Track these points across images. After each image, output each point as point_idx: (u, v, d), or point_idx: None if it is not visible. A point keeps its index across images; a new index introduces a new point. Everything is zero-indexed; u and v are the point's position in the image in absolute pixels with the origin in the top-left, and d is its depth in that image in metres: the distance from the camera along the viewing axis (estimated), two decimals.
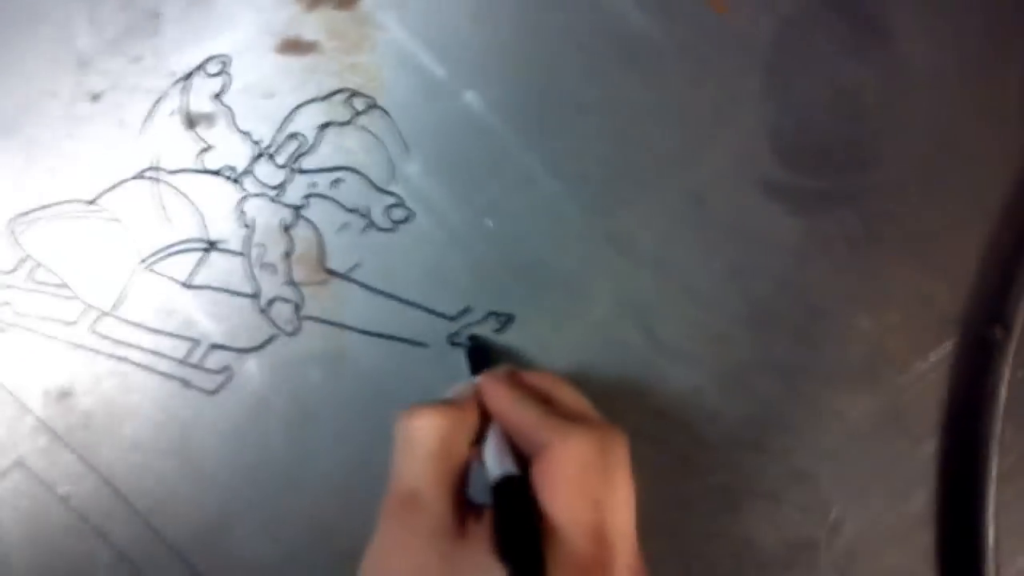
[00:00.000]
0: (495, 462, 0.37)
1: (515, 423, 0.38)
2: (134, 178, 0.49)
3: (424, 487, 0.35)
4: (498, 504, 0.35)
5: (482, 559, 0.34)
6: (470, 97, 0.49)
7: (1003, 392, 0.44)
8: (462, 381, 0.43)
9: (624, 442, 0.37)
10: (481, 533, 0.35)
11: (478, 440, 0.39)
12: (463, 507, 0.35)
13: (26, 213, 0.47)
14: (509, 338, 0.49)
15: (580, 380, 0.46)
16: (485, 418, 0.39)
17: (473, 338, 0.48)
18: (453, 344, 0.47)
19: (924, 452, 0.47)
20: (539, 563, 0.32)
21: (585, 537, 0.34)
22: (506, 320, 0.48)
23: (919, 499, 0.46)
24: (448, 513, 0.35)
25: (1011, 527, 0.46)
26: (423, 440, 0.36)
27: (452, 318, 0.47)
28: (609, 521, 0.35)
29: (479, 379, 0.41)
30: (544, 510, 0.35)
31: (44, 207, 0.48)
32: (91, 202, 0.49)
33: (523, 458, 0.37)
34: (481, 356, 0.46)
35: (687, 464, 0.47)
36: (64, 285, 0.47)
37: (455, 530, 0.34)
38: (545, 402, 0.39)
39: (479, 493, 0.38)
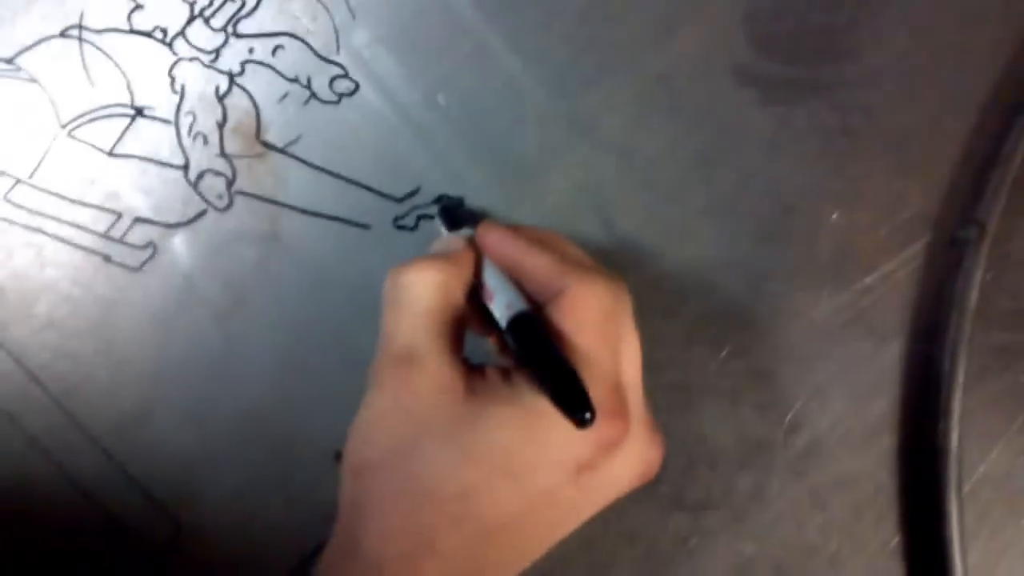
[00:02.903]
0: (508, 301, 0.35)
1: (528, 267, 0.35)
2: (56, 36, 0.44)
3: (423, 343, 0.33)
4: (522, 338, 0.32)
5: (498, 415, 0.32)
6: None
7: (973, 295, 0.42)
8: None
9: (629, 295, 0.36)
10: (489, 387, 0.33)
11: (471, 293, 0.36)
12: (464, 366, 0.33)
13: None
14: None
15: None
16: (478, 272, 0.37)
17: (444, 196, 0.46)
18: (399, 227, 0.43)
19: (888, 354, 0.45)
20: (580, 389, 0.29)
21: (603, 384, 0.32)
22: (456, 204, 0.44)
23: (881, 402, 0.45)
24: (452, 369, 0.32)
25: (975, 434, 0.44)
26: (419, 295, 0.33)
27: (398, 200, 0.44)
28: (623, 371, 0.34)
29: (468, 230, 0.38)
30: (569, 351, 0.32)
31: None
32: (9, 61, 0.46)
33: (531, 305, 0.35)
34: (455, 213, 0.44)
35: (643, 360, 0.44)
36: None
37: (460, 385, 0.32)
38: (552, 249, 0.36)
39: (472, 354, 0.35)
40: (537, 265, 0.35)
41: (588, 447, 0.32)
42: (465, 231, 0.38)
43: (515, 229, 0.37)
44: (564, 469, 0.32)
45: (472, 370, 0.34)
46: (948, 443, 0.42)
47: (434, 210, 0.45)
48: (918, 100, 0.47)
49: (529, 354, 0.31)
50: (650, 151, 0.46)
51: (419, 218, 0.45)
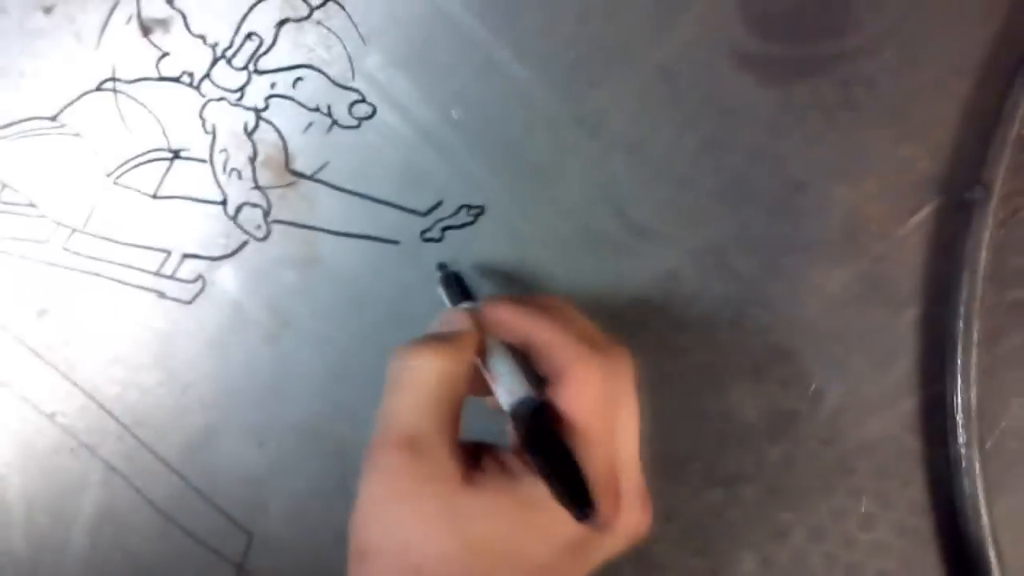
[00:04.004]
0: (511, 387, 0.36)
1: (534, 343, 0.36)
2: (94, 91, 0.47)
3: (425, 432, 0.33)
4: (532, 429, 0.33)
5: (495, 503, 0.33)
6: None
7: (984, 254, 0.43)
8: (441, 299, 0.43)
9: (631, 363, 0.36)
10: (486, 477, 0.34)
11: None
12: (462, 453, 0.34)
13: None
14: (482, 229, 0.48)
15: (555, 268, 0.45)
16: (481, 350, 0.37)
17: (443, 266, 0.47)
18: (426, 240, 0.46)
19: (904, 319, 0.46)
20: (582, 484, 0.31)
21: (600, 466, 0.34)
22: (478, 212, 0.47)
23: (900, 367, 0.46)
24: (453, 459, 0.33)
25: (993, 391, 0.45)
26: (422, 380, 0.33)
27: (423, 213, 0.47)
28: (619, 448, 0.35)
29: (469, 304, 0.39)
30: (572, 437, 0.34)
31: (6, 126, 0.47)
32: (53, 118, 0.48)
33: (535, 382, 0.36)
34: (457, 283, 0.45)
35: (667, 346, 0.47)
36: (32, 204, 0.46)
37: (458, 475, 0.33)
38: (555, 322, 0.37)
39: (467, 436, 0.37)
40: (543, 341, 0.36)
41: (583, 528, 0.32)
42: (468, 304, 0.39)
43: (520, 301, 0.38)
44: (560, 550, 0.33)
45: (469, 454, 0.34)
46: (967, 401, 0.44)
47: (460, 219, 0.47)
48: (918, 65, 0.47)
49: (533, 445, 0.32)
50: (658, 142, 0.48)
51: (444, 230, 0.47)
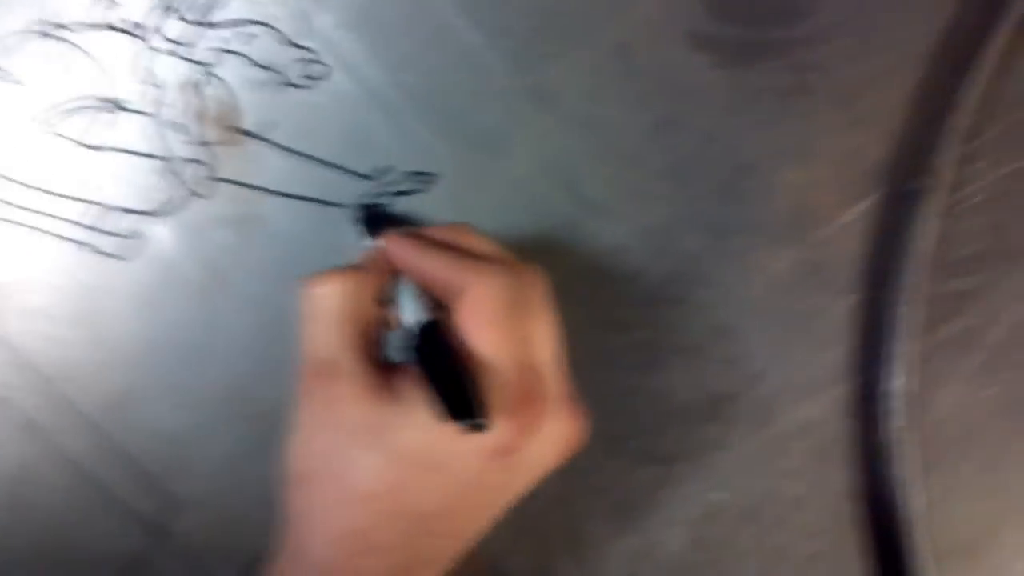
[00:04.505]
0: (410, 314, 0.37)
1: (427, 272, 0.37)
2: (33, 33, 0.45)
3: (337, 353, 0.34)
4: (420, 349, 0.34)
5: (412, 414, 0.33)
6: None
7: (927, 243, 0.43)
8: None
9: (541, 277, 0.37)
10: (405, 388, 0.34)
11: (387, 303, 0.38)
12: (380, 370, 0.34)
13: None
14: (431, 197, 0.47)
15: (502, 239, 0.44)
16: (393, 280, 0.39)
17: (364, 206, 0.47)
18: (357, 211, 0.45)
19: (845, 305, 0.47)
20: (474, 397, 0.31)
21: (514, 370, 0.34)
22: (427, 179, 0.46)
23: (838, 352, 0.46)
24: (367, 375, 0.34)
25: (929, 377, 0.46)
26: (327, 306, 0.35)
27: (371, 178, 0.46)
28: (536, 353, 0.35)
29: (381, 241, 0.39)
30: (472, 351, 0.34)
31: None
32: None
33: (440, 309, 0.37)
34: (377, 222, 0.45)
35: (610, 321, 0.46)
36: None
37: (376, 390, 0.34)
38: (455, 250, 0.37)
39: (394, 355, 0.37)
40: (435, 267, 0.37)
41: (506, 433, 0.33)
42: (379, 241, 0.39)
43: (417, 234, 0.39)
44: (484, 456, 0.34)
45: (390, 371, 0.35)
46: (903, 387, 0.44)
47: (407, 185, 0.46)
48: (870, 54, 0.48)
49: (424, 368, 0.33)
50: (611, 119, 0.47)
51: (391, 195, 0.46)
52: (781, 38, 0.48)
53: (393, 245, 0.39)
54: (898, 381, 0.44)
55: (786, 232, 0.47)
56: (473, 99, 0.48)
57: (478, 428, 0.30)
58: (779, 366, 0.47)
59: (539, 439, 0.35)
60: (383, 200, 0.46)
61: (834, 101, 0.47)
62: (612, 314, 0.46)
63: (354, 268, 0.36)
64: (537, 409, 0.35)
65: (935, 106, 0.47)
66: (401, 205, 0.48)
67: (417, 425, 0.34)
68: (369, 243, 0.41)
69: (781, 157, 0.47)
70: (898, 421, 0.44)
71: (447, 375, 0.32)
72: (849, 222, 0.46)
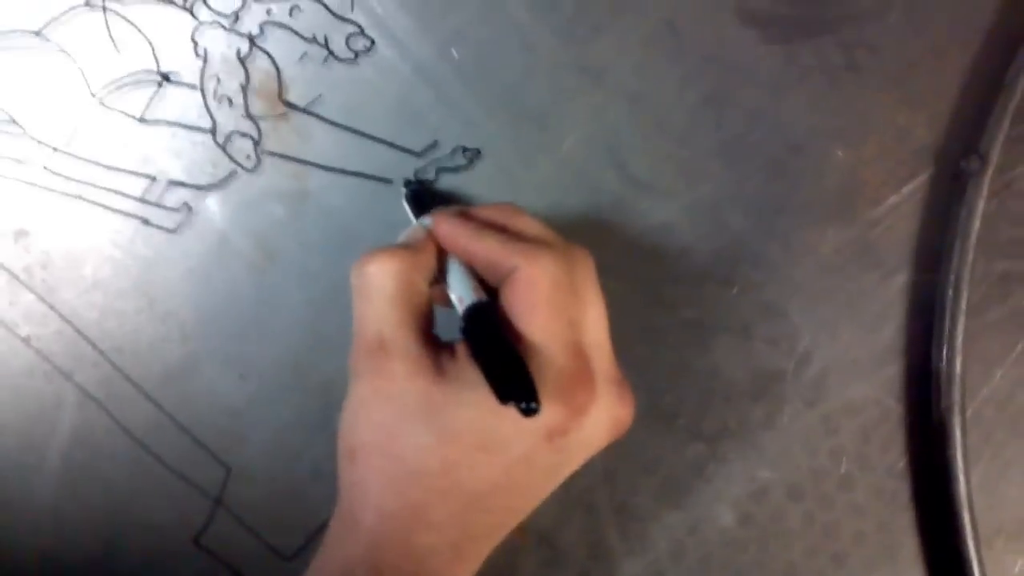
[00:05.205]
0: (460, 294, 0.37)
1: (476, 254, 0.37)
2: (82, 6, 0.45)
3: (389, 330, 0.34)
4: (471, 332, 0.34)
5: (466, 393, 0.34)
6: None
7: (976, 224, 0.43)
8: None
9: (589, 259, 0.37)
10: (458, 368, 0.35)
11: (437, 281, 0.38)
12: (434, 347, 0.35)
13: None
14: (478, 174, 0.47)
15: (550, 215, 0.45)
16: (441, 259, 0.39)
17: (410, 182, 0.47)
18: (407, 185, 0.45)
19: (894, 285, 0.47)
20: (526, 380, 0.31)
21: (564, 353, 0.34)
22: (474, 155, 0.47)
23: (887, 331, 0.46)
24: (419, 353, 0.34)
25: (977, 358, 0.46)
26: (380, 284, 0.35)
27: (418, 153, 0.46)
28: (585, 336, 0.36)
29: (429, 219, 0.39)
30: (520, 332, 0.35)
31: None
32: (37, 33, 0.46)
33: (489, 289, 0.37)
34: (423, 199, 0.45)
35: (657, 299, 0.47)
36: (13, 121, 0.45)
37: (430, 369, 0.34)
38: (503, 231, 0.38)
39: (446, 334, 0.37)
40: (485, 249, 0.37)
41: (557, 414, 0.33)
42: (426, 220, 0.39)
43: (465, 214, 0.39)
44: (536, 437, 0.34)
45: (442, 349, 0.36)
46: (951, 368, 0.44)
47: (455, 161, 0.46)
48: (921, 33, 0.48)
49: (476, 351, 0.33)
50: (659, 95, 0.47)
51: (438, 171, 0.46)
52: (831, 15, 0.47)
53: (441, 225, 0.39)
54: (947, 361, 0.44)
55: (835, 212, 0.47)
56: (521, 74, 0.47)
57: (530, 411, 0.31)
58: (827, 346, 0.47)
59: (589, 421, 0.35)
60: (430, 176, 0.46)
61: (884, 80, 0.47)
62: (660, 292, 0.46)
63: (404, 246, 0.36)
64: (587, 391, 0.35)
65: (985, 87, 0.47)
66: (448, 181, 0.47)
67: (471, 404, 0.34)
68: (417, 221, 0.41)
69: (830, 135, 0.47)
70: (946, 401, 0.44)
71: (498, 357, 0.32)
72: (898, 202, 0.46)
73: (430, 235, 0.38)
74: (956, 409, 0.44)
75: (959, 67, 0.47)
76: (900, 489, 0.47)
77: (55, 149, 0.46)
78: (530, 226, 0.38)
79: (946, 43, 0.47)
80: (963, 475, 0.44)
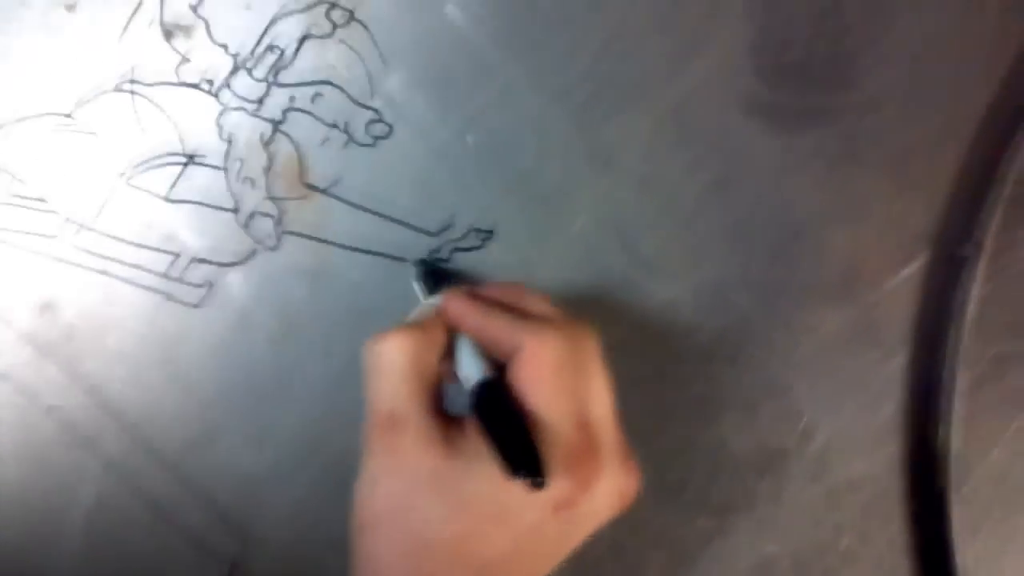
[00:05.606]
0: (469, 371, 0.38)
1: (484, 332, 0.39)
2: (111, 91, 0.47)
3: (402, 406, 0.35)
4: (480, 408, 0.35)
5: (476, 466, 0.35)
6: (451, 9, 0.48)
7: (972, 307, 0.45)
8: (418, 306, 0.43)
9: (594, 335, 0.38)
10: (467, 442, 0.36)
11: (446, 357, 0.40)
12: (444, 421, 0.35)
13: (1, 126, 0.46)
14: (491, 253, 0.49)
15: (561, 294, 0.46)
16: (450, 336, 0.40)
17: (420, 262, 0.48)
18: (434, 260, 0.47)
19: (894, 364, 0.48)
20: (533, 455, 0.32)
21: (570, 427, 0.36)
22: (487, 235, 0.48)
23: (887, 410, 0.48)
24: (432, 428, 0.35)
25: (974, 438, 0.47)
26: (392, 362, 0.36)
27: (433, 234, 0.47)
28: (590, 410, 0.37)
29: (437, 298, 0.41)
30: (527, 407, 0.36)
31: (20, 120, 0.47)
32: (68, 115, 0.48)
33: (496, 366, 0.38)
34: (432, 278, 0.47)
35: (664, 376, 0.48)
36: (42, 199, 0.46)
37: (441, 443, 0.35)
38: (510, 310, 0.39)
39: (455, 410, 0.39)
40: (492, 327, 0.38)
41: (564, 486, 0.34)
42: (437, 299, 0.41)
43: (474, 294, 0.40)
44: (544, 509, 0.35)
45: (452, 423, 0.36)
46: (948, 447, 0.46)
47: (469, 241, 0.48)
48: (918, 123, 0.49)
49: (484, 426, 0.34)
50: (667, 180, 0.49)
51: (452, 251, 0.48)
52: (832, 105, 0.49)
53: (451, 303, 0.40)
54: (944, 439, 0.45)
55: (835, 293, 0.49)
56: (534, 159, 0.49)
57: (538, 485, 0.32)
58: (830, 422, 0.48)
59: (595, 493, 0.36)
60: (444, 255, 0.48)
61: (883, 167, 0.49)
62: (666, 369, 0.48)
63: (416, 325, 0.37)
64: (593, 465, 0.36)
65: (979, 174, 0.49)
66: (462, 260, 0.49)
67: (480, 477, 0.35)
68: (429, 299, 0.43)
69: (830, 221, 0.49)
70: (944, 478, 0.45)
71: (506, 432, 0.34)
72: (896, 285, 0.48)
73: (440, 314, 0.39)
74: (953, 487, 0.45)
75: (954, 155, 0.49)
76: (900, 564, 0.48)
77: (82, 226, 0.48)
78: (536, 304, 0.40)
79: (943, 132, 0.49)
80: (961, 551, 0.45)
